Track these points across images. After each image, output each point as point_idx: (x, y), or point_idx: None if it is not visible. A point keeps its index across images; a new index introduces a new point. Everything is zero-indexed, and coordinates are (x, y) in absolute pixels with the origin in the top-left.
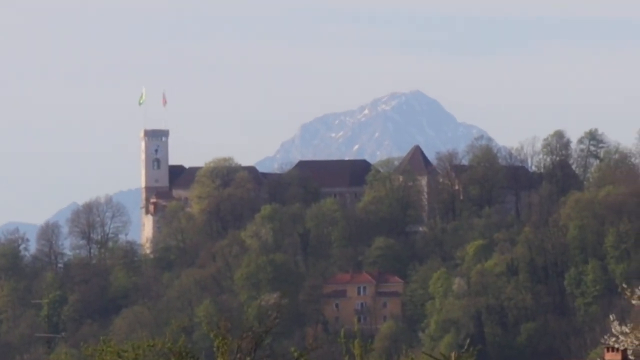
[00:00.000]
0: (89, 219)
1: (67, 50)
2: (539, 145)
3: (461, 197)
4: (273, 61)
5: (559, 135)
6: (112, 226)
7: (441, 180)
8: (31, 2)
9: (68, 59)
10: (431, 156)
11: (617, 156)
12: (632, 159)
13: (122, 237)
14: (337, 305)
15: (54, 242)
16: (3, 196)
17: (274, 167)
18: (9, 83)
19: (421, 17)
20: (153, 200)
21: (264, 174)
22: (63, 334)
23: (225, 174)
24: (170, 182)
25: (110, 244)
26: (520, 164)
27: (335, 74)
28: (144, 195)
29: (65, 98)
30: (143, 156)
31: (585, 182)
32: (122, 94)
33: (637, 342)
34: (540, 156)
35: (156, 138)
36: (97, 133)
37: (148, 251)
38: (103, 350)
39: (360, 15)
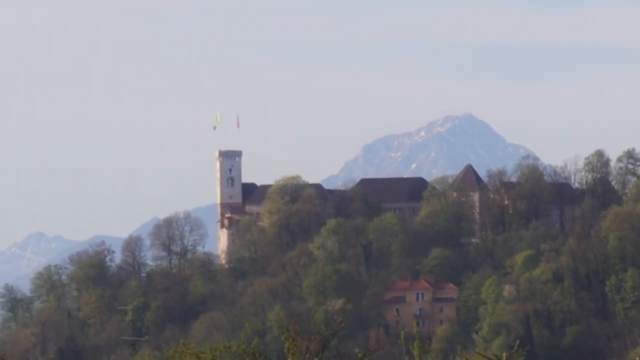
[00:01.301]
0: (169, 232)
1: (150, 75)
2: (581, 164)
3: (510, 211)
4: (338, 85)
5: (599, 154)
6: (190, 239)
7: (492, 195)
8: (119, 31)
9: (151, 83)
10: (482, 174)
11: None
12: None
13: (199, 248)
14: (397, 310)
15: (137, 253)
16: (91, 212)
17: (338, 185)
18: (98, 105)
19: (474, 46)
20: (228, 215)
21: (329, 191)
22: (146, 337)
23: (294, 191)
24: (243, 198)
25: (189, 255)
26: (565, 181)
27: (394, 98)
28: (219, 211)
29: (149, 120)
30: (218, 175)
31: (624, 197)
32: (199, 116)
33: None
34: (582, 173)
35: (230, 158)
36: (176, 153)
37: (223, 261)
38: (183, 351)
39: (417, 44)
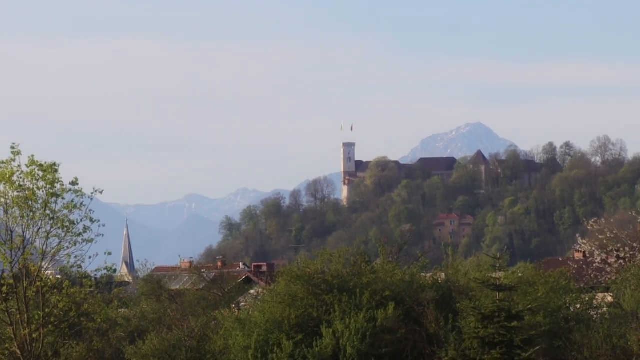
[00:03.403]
0: (316, 187)
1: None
2: (541, 149)
3: (501, 176)
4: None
5: (551, 145)
6: (327, 191)
7: (491, 167)
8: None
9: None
10: (487, 155)
11: None
12: None
13: (332, 196)
14: (440, 230)
15: (298, 199)
16: (273, 174)
17: (407, 161)
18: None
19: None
20: (347, 178)
21: (403, 164)
22: (302, 245)
23: (383, 165)
24: (356, 169)
25: (326, 199)
26: (532, 159)
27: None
28: (343, 176)
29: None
30: (342, 155)
31: (564, 168)
32: (332, 124)
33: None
34: (542, 155)
35: (349, 146)
36: (322, 143)
37: (345, 203)
38: (323, 253)
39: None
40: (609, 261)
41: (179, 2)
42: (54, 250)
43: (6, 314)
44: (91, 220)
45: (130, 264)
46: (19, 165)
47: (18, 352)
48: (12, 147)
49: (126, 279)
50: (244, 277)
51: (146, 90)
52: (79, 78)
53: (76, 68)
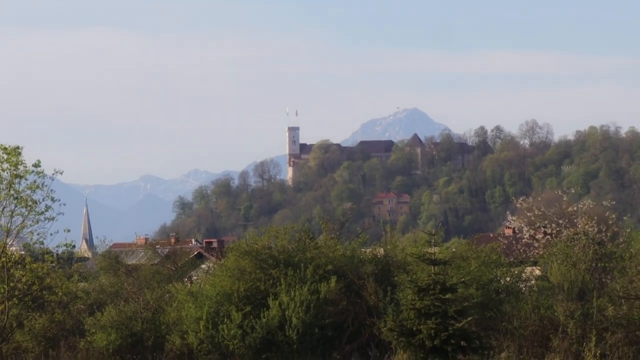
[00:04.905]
0: (263, 168)
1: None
2: (473, 132)
3: (436, 157)
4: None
5: (482, 128)
6: (273, 172)
7: (427, 149)
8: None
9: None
10: (423, 138)
11: None
12: None
13: (279, 177)
14: (379, 208)
15: (246, 180)
16: (222, 156)
17: (348, 144)
18: None
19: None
20: (293, 160)
21: (344, 147)
22: (251, 222)
23: (325, 147)
24: (300, 151)
25: (272, 180)
26: (464, 141)
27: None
28: (288, 158)
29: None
30: (287, 139)
31: (494, 150)
32: (277, 110)
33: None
34: (474, 137)
35: (294, 130)
36: (270, 127)
37: (290, 183)
38: (269, 230)
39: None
40: (536, 237)
41: None
42: (17, 227)
43: None
44: (52, 199)
45: (89, 241)
46: None
47: None
48: None
49: (86, 255)
50: (195, 253)
51: (104, 77)
52: (40, 66)
53: (37, 56)
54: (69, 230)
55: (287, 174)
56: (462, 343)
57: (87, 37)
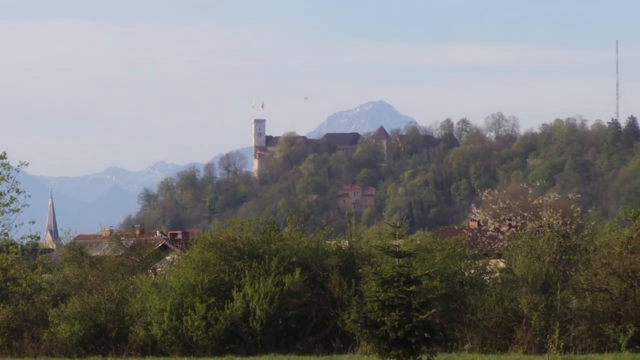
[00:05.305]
0: (229, 160)
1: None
2: (439, 125)
3: (402, 150)
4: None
5: (448, 121)
6: (238, 164)
7: (392, 142)
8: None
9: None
10: (389, 131)
11: None
12: None
13: (244, 169)
14: (344, 201)
15: (211, 172)
16: (189, 149)
17: (314, 136)
18: None
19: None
20: (258, 152)
21: (310, 139)
22: (216, 214)
23: (291, 140)
24: (266, 143)
25: (237, 172)
26: (430, 134)
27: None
28: (254, 150)
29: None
30: (253, 131)
31: (460, 143)
32: (243, 102)
33: (485, 216)
34: (440, 130)
35: (260, 123)
36: (234, 118)
37: (255, 175)
38: (234, 222)
39: None
40: (501, 229)
41: None
42: None
43: None
44: (17, 191)
45: (54, 233)
46: None
47: None
48: None
49: (50, 247)
50: (160, 245)
51: (70, 68)
52: (4, 57)
53: (0, 47)
54: (33, 222)
55: (253, 166)
56: (426, 335)
57: (52, 28)
